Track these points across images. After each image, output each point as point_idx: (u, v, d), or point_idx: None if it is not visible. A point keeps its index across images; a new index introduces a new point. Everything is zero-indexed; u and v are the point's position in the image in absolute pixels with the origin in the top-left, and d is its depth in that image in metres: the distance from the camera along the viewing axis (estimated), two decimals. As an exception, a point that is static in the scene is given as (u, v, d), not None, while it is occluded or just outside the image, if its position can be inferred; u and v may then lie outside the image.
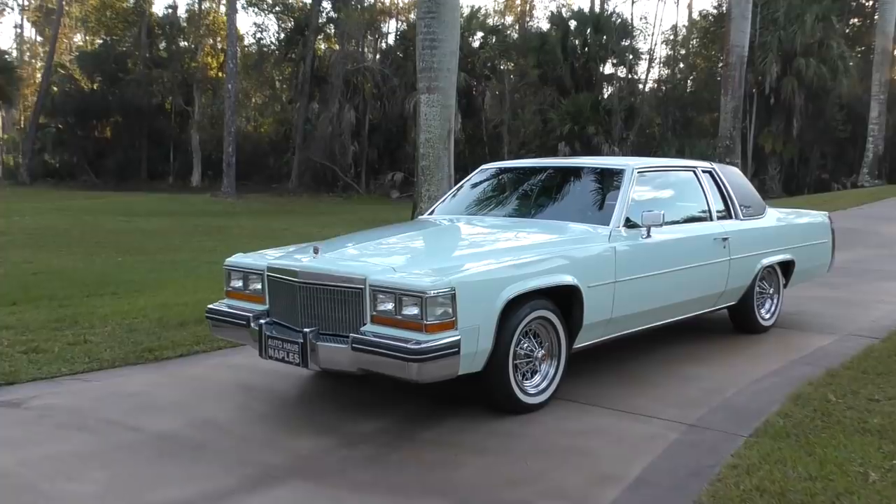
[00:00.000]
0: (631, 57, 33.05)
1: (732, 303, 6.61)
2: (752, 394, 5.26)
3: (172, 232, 18.72)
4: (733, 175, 6.83)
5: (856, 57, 32.40)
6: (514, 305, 4.66)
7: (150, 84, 40.23)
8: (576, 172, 6.27)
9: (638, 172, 5.85)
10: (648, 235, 5.56)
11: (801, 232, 7.35)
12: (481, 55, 32.92)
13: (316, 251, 4.89)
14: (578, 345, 5.22)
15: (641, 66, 35.54)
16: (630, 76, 33.64)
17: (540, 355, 4.94)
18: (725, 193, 6.54)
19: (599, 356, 5.88)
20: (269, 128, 41.52)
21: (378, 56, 35.11)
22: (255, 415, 5.00)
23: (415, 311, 4.34)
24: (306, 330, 4.65)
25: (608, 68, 33.54)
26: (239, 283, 5.37)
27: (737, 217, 6.53)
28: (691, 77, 40.18)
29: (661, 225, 5.52)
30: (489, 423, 4.72)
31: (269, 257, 5.37)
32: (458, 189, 6.72)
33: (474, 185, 6.66)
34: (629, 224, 5.52)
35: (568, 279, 4.95)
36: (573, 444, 4.39)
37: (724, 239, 6.26)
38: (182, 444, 4.48)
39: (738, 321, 6.86)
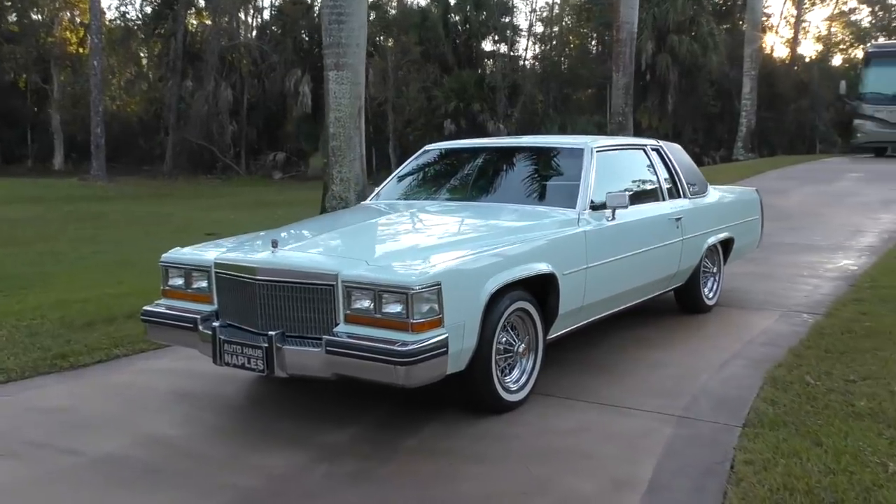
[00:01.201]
0: (511, 34, 33.16)
1: (680, 283, 6.50)
2: (724, 379, 5.13)
3: (43, 220, 17.39)
4: (678, 153, 6.71)
5: (722, 34, 33.55)
6: (496, 298, 4.33)
7: (1, 61, 37.36)
8: (530, 152, 5.98)
9: (596, 151, 5.61)
10: (613, 217, 5.34)
11: (738, 209, 7.34)
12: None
13: (275, 244, 4.39)
14: (550, 336, 4.94)
15: (521, 44, 35.75)
16: (511, 53, 33.76)
17: (521, 349, 4.64)
18: (674, 172, 6.40)
19: (557, 345, 5.63)
20: (137, 107, 39.37)
21: (255, 32, 33.78)
22: (208, 428, 4.49)
23: (397, 308, 3.94)
24: (271, 333, 4.17)
25: (489, 45, 33.59)
26: (179, 281, 4.80)
27: (685, 196, 6.42)
28: (563, 54, 40.72)
29: (626, 206, 5.31)
30: (472, 425, 4.38)
31: (213, 251, 4.83)
32: (401, 172, 6.30)
33: (419, 168, 6.27)
34: (593, 206, 5.28)
35: (545, 267, 4.65)
36: (569, 445, 4.11)
37: (678, 219, 6.12)
38: (133, 469, 3.94)
39: (684, 302, 6.77)
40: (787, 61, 39.73)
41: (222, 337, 4.35)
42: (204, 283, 4.68)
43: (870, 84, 25.02)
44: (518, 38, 34.26)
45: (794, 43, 40.70)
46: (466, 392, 4.45)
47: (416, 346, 3.85)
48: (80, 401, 4.94)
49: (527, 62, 34.82)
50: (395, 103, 30.00)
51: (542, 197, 5.47)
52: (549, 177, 5.75)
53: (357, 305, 4.05)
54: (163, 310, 4.79)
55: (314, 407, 4.74)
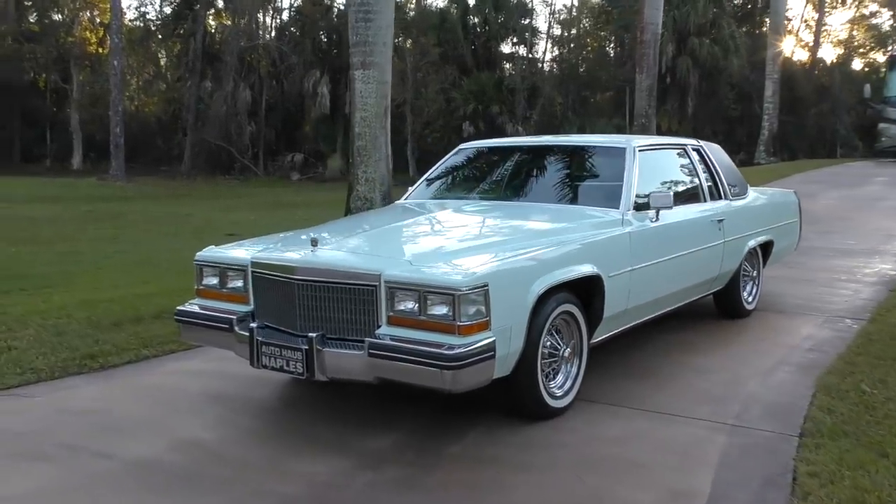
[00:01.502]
0: (530, 36, 32.99)
1: (720, 287, 6.32)
2: (773, 386, 4.97)
3: (63, 219, 17.35)
4: (718, 153, 6.54)
5: (742, 37, 33.28)
6: (542, 300, 4.18)
7: (22, 60, 37.46)
8: (569, 151, 5.83)
9: (638, 150, 5.45)
10: (657, 218, 5.18)
11: (778, 211, 7.16)
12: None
13: (314, 243, 4.26)
14: (594, 340, 4.79)
15: (540, 46, 35.57)
16: (530, 55, 33.62)
17: (566, 354, 4.49)
18: (714, 172, 6.24)
19: (599, 349, 5.47)
20: (155, 107, 39.42)
21: (274, 33, 33.73)
22: (243, 432, 4.35)
23: (443, 310, 3.79)
24: (311, 335, 4.03)
25: (508, 47, 33.45)
26: (214, 281, 4.67)
27: (726, 197, 6.25)
28: (581, 56, 40.49)
29: (671, 207, 5.15)
30: (516, 431, 4.23)
31: (249, 250, 4.71)
32: (435, 172, 6.15)
33: (454, 168, 6.12)
34: (636, 206, 5.13)
35: (591, 269, 4.50)
36: (619, 454, 3.95)
37: (720, 220, 5.96)
38: (170, 474, 3.81)
39: (723, 306, 6.59)
40: (807, 65, 39.37)
41: (260, 338, 4.22)
42: (240, 283, 4.55)
43: (895, 88, 24.70)
44: (537, 41, 34.12)
45: (814, 46, 40.32)
46: (511, 397, 4.30)
47: (463, 350, 3.71)
48: (111, 402, 4.82)
49: (545, 64, 34.68)
50: (413, 105, 29.87)
51: (583, 197, 5.32)
52: (590, 176, 5.59)
53: (400, 307, 3.91)
54: (197, 310, 4.67)
55: (351, 411, 4.60)
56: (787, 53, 37.23)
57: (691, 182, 5.95)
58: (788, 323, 6.53)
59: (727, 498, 3.48)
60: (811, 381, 5.00)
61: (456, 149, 6.27)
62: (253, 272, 4.45)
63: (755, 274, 6.80)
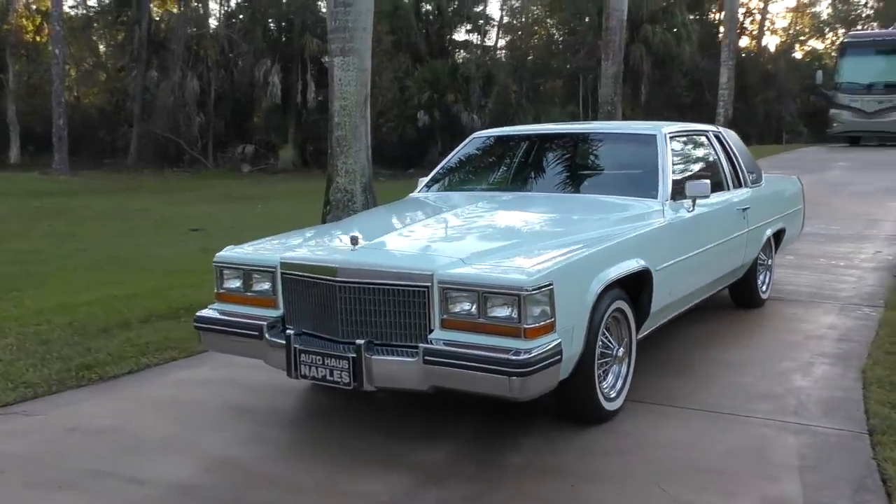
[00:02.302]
0: (484, 24, 32.74)
1: (739, 276, 6.16)
2: (819, 379, 4.80)
3: (11, 216, 16.55)
4: (735, 139, 6.37)
5: (694, 24, 33.54)
6: (599, 298, 3.94)
7: (-48, 50, 35.87)
8: (595, 139, 5.59)
9: (669, 137, 5.23)
10: (693, 208, 4.97)
11: (787, 198, 7.04)
12: (332, 20, 31.46)
13: (354, 241, 3.93)
14: (639, 336, 4.56)
15: (493, 34, 35.32)
16: (484, 43, 33.39)
17: (620, 353, 4.25)
18: (735, 159, 6.06)
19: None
20: (96, 98, 38.10)
21: (222, 21, 32.83)
22: (279, 448, 4.02)
23: (506, 312, 3.52)
24: (358, 341, 3.72)
25: (462, 35, 33.15)
26: (237, 283, 4.31)
27: (746, 185, 6.08)
28: (530, 44, 40.38)
29: (708, 196, 4.94)
30: (572, 437, 3.99)
31: (274, 249, 4.36)
32: (450, 163, 5.84)
33: (471, 157, 5.84)
34: (673, 196, 4.91)
35: (642, 263, 4.27)
36: (691, 460, 3.72)
37: (746, 209, 5.79)
38: (212, 500, 3.47)
39: (740, 296, 6.43)
40: (754, 53, 39.91)
41: (298, 346, 3.88)
42: (267, 286, 4.20)
43: (846, 74, 25.08)
44: (489, 28, 33.87)
45: (759, 34, 40.92)
46: (566, 401, 4.05)
47: (532, 355, 3.44)
48: (125, 419, 4.43)
49: (499, 52, 34.45)
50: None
51: (617, 187, 5.08)
52: (621, 165, 5.36)
53: (456, 309, 3.63)
54: (220, 315, 4.30)
55: (389, 421, 4.30)
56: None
57: (716, 169, 5.75)
58: (805, 312, 6.40)
59: (824, 505, 3.28)
60: (854, 373, 4.86)
61: (469, 138, 5.97)
62: (283, 274, 4.11)
63: (769, 262, 6.66)
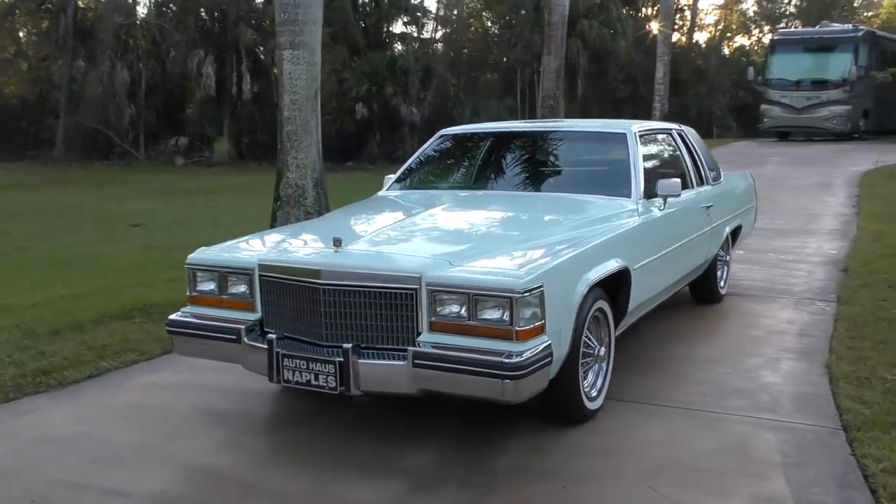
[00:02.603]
0: (421, 16, 32.62)
1: (701, 272, 6.25)
2: (787, 375, 4.90)
3: (-69, 212, 15.87)
4: (696, 137, 6.45)
5: (629, 19, 33.98)
6: (584, 299, 3.94)
7: None
8: (567, 138, 5.58)
9: (639, 136, 5.27)
10: (664, 206, 5.02)
11: (743, 195, 7.17)
12: (268, 11, 30.96)
13: (338, 243, 3.84)
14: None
15: (429, 26, 35.12)
16: (422, 36, 33.21)
17: (602, 353, 4.26)
18: (697, 157, 6.14)
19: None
20: (17, 88, 36.71)
21: (152, 9, 31.93)
22: (259, 455, 3.93)
23: (496, 314, 3.49)
24: (345, 345, 3.64)
25: (399, 27, 32.94)
26: (211, 286, 4.19)
27: (707, 183, 6.16)
28: (465, 37, 40.35)
29: (679, 195, 5.00)
30: (557, 438, 3.99)
31: (250, 250, 4.26)
32: (417, 161, 5.77)
33: (438, 156, 5.79)
34: (645, 195, 4.95)
35: (622, 262, 4.29)
36: (678, 459, 3.75)
37: (709, 206, 5.87)
38: (198, 510, 3.36)
39: (700, 292, 6.53)
40: (685, 48, 40.65)
41: (281, 351, 3.79)
42: (243, 288, 4.09)
43: (775, 70, 25.74)
44: (427, 21, 33.74)
45: (690, 30, 41.71)
46: (551, 402, 4.02)
47: (524, 358, 3.42)
48: (93, 427, 4.26)
49: (436, 45, 34.30)
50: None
51: (589, 185, 5.08)
52: (593, 164, 5.38)
53: (445, 311, 3.58)
54: (195, 320, 4.17)
55: (370, 425, 4.23)
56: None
57: (680, 167, 5.82)
58: (763, 307, 6.53)
59: (815, 502, 3.34)
60: (819, 368, 4.98)
61: (437, 136, 5.91)
62: (261, 276, 4.00)
63: (728, 258, 6.78)
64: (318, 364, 3.69)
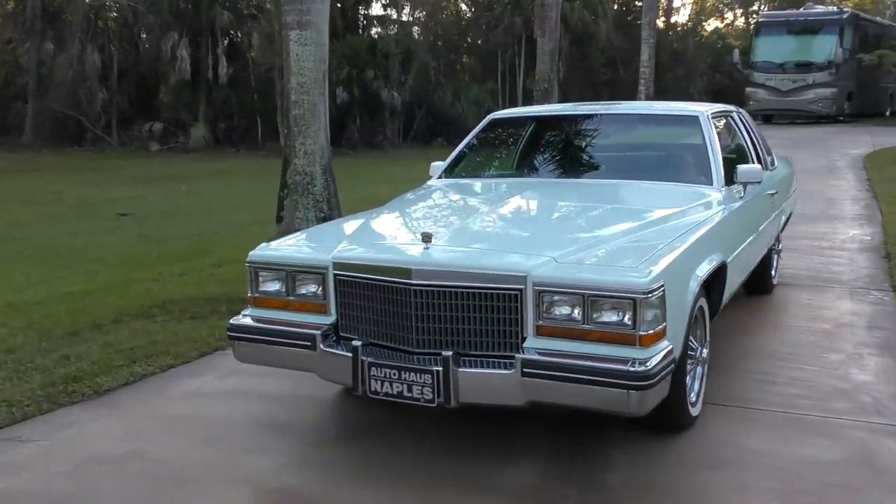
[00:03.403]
0: (400, -2, 32.06)
1: (761, 261, 5.94)
2: (879, 374, 4.60)
3: None
4: (751, 120, 6.13)
5: (610, 1, 33.74)
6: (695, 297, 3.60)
7: None
8: (637, 121, 5.24)
9: (711, 118, 4.93)
10: (744, 194, 4.70)
11: (789, 180, 6.88)
12: (243, -8, 30.26)
13: (427, 239, 3.46)
14: (703, 333, 4.25)
15: (406, 9, 34.51)
16: (401, 18, 32.67)
17: (705, 355, 3.93)
18: (757, 141, 5.82)
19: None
20: (-18, 72, 35.54)
21: (125, -10, 30.96)
22: (340, 471, 3.55)
23: (615, 317, 3.15)
24: (445, 353, 3.27)
25: (378, 9, 32.35)
26: (276, 286, 3.78)
27: (767, 168, 5.85)
28: (447, 19, 39.72)
29: (760, 182, 4.68)
30: (663, 448, 3.66)
31: (317, 247, 3.87)
32: (469, 146, 5.37)
33: (493, 141, 5.41)
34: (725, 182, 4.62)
35: (721, 257, 3.96)
36: (803, 473, 3.43)
37: (773, 193, 5.56)
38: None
39: (755, 282, 6.19)
40: (663, 31, 40.49)
41: (367, 359, 3.40)
42: (314, 288, 3.69)
43: (760, 53, 25.68)
44: (405, 3, 33.14)
45: (668, 13, 41.57)
46: (656, 409, 3.69)
47: (651, 366, 3.08)
48: (148, 442, 3.84)
49: (415, 28, 33.73)
50: (282, 69, 28.20)
51: (666, 172, 4.74)
52: (665, 149, 5.05)
53: (556, 313, 3.23)
54: (260, 324, 3.77)
55: (452, 437, 3.86)
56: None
57: (746, 152, 5.50)
58: (818, 298, 6.26)
59: (971, 521, 3.05)
60: (899, 364, 4.71)
61: (487, 120, 5.51)
62: (337, 275, 3.60)
63: (779, 247, 6.50)
64: (413, 374, 3.32)
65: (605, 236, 3.71)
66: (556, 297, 3.22)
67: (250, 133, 30.16)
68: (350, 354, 3.45)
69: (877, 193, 11.19)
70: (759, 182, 4.66)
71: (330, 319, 3.65)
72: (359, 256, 3.63)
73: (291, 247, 3.95)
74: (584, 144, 5.17)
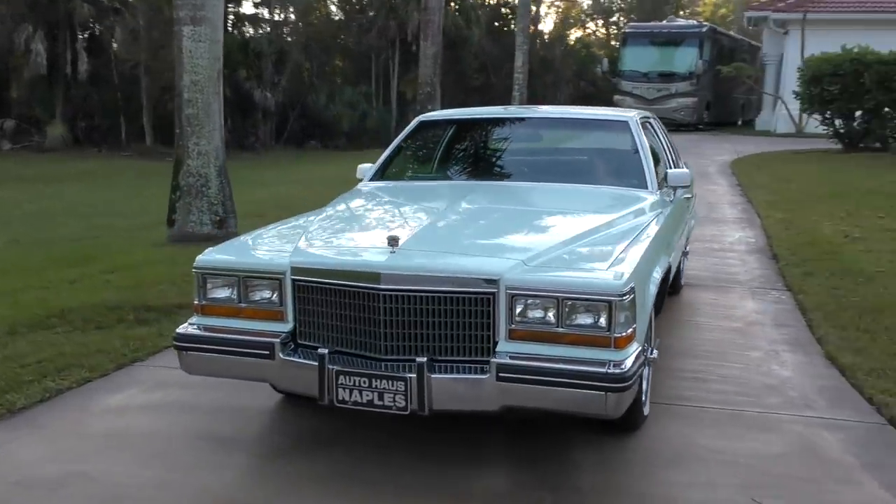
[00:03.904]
0: (271, -3, 31.36)
1: (673, 264, 6.14)
2: (796, 369, 4.83)
3: None
4: (663, 126, 6.33)
5: (482, 8, 34.28)
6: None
7: None
8: (568, 125, 5.29)
9: (640, 123, 5.07)
10: (673, 198, 4.85)
11: (692, 184, 7.13)
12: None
13: (394, 242, 3.37)
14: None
15: (282, 10, 33.81)
16: (274, 18, 31.97)
17: (655, 355, 4.01)
18: (669, 145, 6.02)
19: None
20: None
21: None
22: (309, 485, 3.40)
23: (591, 319, 3.16)
24: (420, 359, 3.20)
25: (249, 8, 31.59)
26: (226, 293, 3.60)
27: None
28: (317, 20, 39.24)
29: (688, 185, 4.84)
30: (623, 448, 3.72)
31: (271, 251, 3.71)
32: (398, 149, 5.28)
33: (424, 144, 5.34)
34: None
35: (667, 259, 4.07)
36: (762, 466, 3.54)
37: (690, 197, 5.77)
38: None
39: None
40: (532, 38, 41.47)
41: (335, 367, 3.28)
42: (270, 294, 3.53)
43: (627, 63, 26.69)
44: (278, 4, 32.47)
45: (536, 21, 42.60)
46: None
47: (627, 368, 3.12)
48: (85, 462, 3.56)
49: (289, 29, 33.11)
50: (149, 66, 27.12)
51: (601, 176, 4.83)
52: (598, 152, 5.12)
53: (528, 317, 3.21)
54: (211, 333, 3.56)
55: (408, 445, 3.77)
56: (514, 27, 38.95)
57: (662, 155, 5.67)
58: (723, 298, 6.53)
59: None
60: (820, 360, 4.98)
61: (415, 122, 5.44)
62: (296, 281, 3.46)
63: (688, 249, 6.75)
64: (385, 381, 3.23)
65: (562, 240, 3.70)
66: (529, 301, 3.20)
67: (113, 132, 28.83)
68: (314, 363, 3.32)
69: (751, 198, 11.81)
70: (688, 186, 4.81)
71: (287, 327, 3.50)
72: (320, 261, 3.50)
73: (241, 251, 3.77)
74: (518, 148, 5.19)
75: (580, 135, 5.26)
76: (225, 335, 3.53)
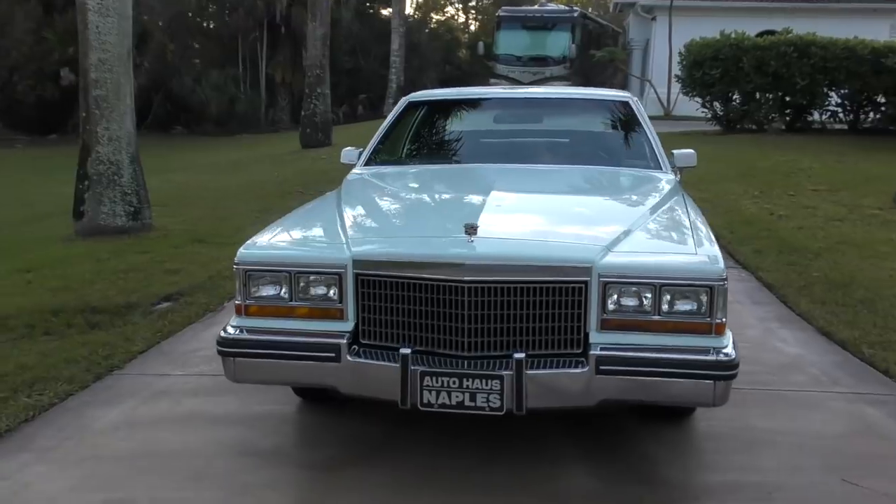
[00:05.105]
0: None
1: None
2: (803, 346, 4.89)
3: None
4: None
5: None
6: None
7: None
8: (571, 105, 5.12)
9: (637, 104, 4.98)
10: (679, 178, 4.79)
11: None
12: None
13: (472, 230, 3.10)
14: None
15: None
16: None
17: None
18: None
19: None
20: None
21: None
22: (378, 496, 3.10)
23: (690, 306, 3.03)
24: (518, 355, 2.96)
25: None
26: (276, 290, 3.22)
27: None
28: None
29: (695, 165, 4.80)
30: (683, 435, 3.62)
31: (323, 243, 3.36)
32: (389, 132, 4.93)
33: (422, 125, 5.04)
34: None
35: (707, 240, 3.98)
36: (831, 447, 3.54)
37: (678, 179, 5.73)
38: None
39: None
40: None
41: (419, 368, 3.00)
42: (325, 290, 3.19)
43: (502, 46, 26.84)
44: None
45: (401, 4, 42.32)
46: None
47: (732, 355, 3.01)
48: (122, 489, 3.12)
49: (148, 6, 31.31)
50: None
51: (616, 156, 4.70)
52: (607, 133, 4.97)
53: (621, 305, 3.04)
54: (263, 336, 3.18)
55: (444, 442, 3.52)
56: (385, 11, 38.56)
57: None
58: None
59: None
60: (815, 335, 5.08)
61: (403, 102, 5.11)
62: (359, 275, 3.14)
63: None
64: (478, 381, 2.97)
65: (629, 223, 3.50)
66: (623, 288, 3.03)
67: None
68: (393, 364, 3.02)
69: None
70: (694, 166, 4.76)
71: (349, 326, 3.17)
72: (390, 253, 3.19)
73: (292, 244, 3.39)
74: (522, 129, 4.99)
75: (583, 115, 5.09)
76: (279, 338, 3.16)
